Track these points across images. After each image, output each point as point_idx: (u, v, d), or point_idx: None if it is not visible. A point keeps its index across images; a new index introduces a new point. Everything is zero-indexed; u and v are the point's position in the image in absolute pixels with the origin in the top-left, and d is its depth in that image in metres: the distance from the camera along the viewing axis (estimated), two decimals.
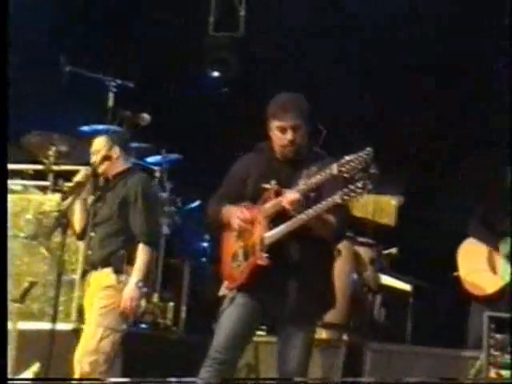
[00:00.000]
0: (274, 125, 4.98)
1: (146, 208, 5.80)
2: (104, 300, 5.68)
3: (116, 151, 5.92)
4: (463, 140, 8.02)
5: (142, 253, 5.73)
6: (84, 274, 6.03)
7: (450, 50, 8.11)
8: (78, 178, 5.91)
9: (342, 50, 8.36)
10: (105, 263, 5.76)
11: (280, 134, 4.98)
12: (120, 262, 5.74)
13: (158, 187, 6.47)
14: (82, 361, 5.64)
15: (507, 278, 6.11)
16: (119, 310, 5.63)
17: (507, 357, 5.47)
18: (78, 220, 5.95)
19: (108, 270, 5.74)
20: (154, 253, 5.85)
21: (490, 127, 7.56)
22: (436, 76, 8.13)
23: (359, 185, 4.72)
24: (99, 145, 5.94)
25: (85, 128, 7.15)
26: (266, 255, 4.90)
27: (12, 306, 6.12)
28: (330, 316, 5.69)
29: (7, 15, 4.63)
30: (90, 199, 6.00)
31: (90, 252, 5.87)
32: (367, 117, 7.97)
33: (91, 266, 5.83)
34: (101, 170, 5.92)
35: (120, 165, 5.95)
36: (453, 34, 8.09)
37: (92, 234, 5.87)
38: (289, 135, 4.96)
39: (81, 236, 5.99)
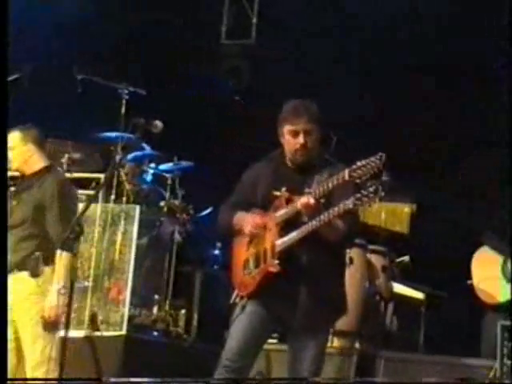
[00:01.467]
0: (286, 129, 4.95)
1: (62, 212, 5.58)
2: (31, 310, 5.51)
3: (30, 148, 5.69)
4: (477, 149, 7.97)
5: (60, 258, 5.49)
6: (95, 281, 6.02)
7: (451, 49, 8.05)
8: None
9: (350, 55, 8.32)
10: (21, 267, 5.55)
11: (292, 139, 4.95)
12: (35, 265, 5.55)
13: (73, 189, 6.12)
14: (34, 375, 5.48)
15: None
16: (44, 318, 5.47)
17: None
18: None
19: (24, 274, 5.55)
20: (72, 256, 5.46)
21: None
22: (436, 76, 8.08)
23: (371, 190, 4.65)
24: (13, 141, 5.65)
25: (98, 135, 7.17)
26: (277, 262, 4.87)
27: None
28: (342, 324, 5.71)
29: (7, 16, 4.49)
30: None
31: None
32: (379, 123, 7.91)
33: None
34: (15, 167, 5.69)
35: (35, 163, 5.71)
36: (453, 33, 8.03)
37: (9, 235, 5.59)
38: (301, 139, 4.93)
39: None
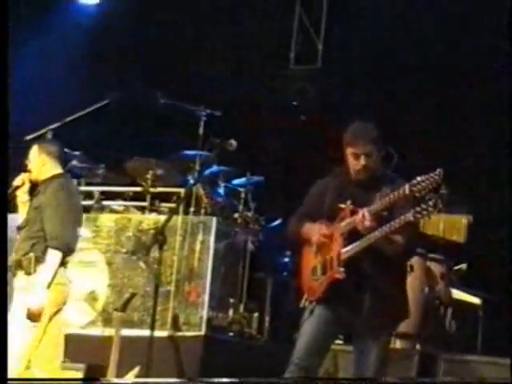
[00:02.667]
0: (349, 151, 4.99)
1: (55, 213, 5.63)
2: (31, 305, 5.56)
3: (43, 159, 5.84)
4: None
5: (48, 256, 5.57)
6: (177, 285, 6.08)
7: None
8: (15, 182, 5.84)
9: (409, 75, 8.19)
10: (18, 266, 5.64)
11: (354, 161, 4.98)
12: (29, 264, 5.61)
13: (78, 194, 6.24)
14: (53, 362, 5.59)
15: None
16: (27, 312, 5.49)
17: None
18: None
19: (21, 273, 5.63)
20: (61, 257, 5.61)
21: None
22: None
23: (431, 203, 4.66)
24: (32, 154, 5.87)
25: (178, 154, 7.21)
26: (342, 269, 4.86)
27: (115, 315, 6.19)
28: (404, 326, 5.65)
29: (7, 17, 4.34)
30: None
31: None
32: (438, 140, 7.80)
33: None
34: (32, 176, 5.85)
35: (47, 171, 5.84)
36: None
37: (17, 236, 5.77)
38: (362, 161, 4.95)
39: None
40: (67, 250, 5.67)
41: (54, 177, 5.86)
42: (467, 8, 7.84)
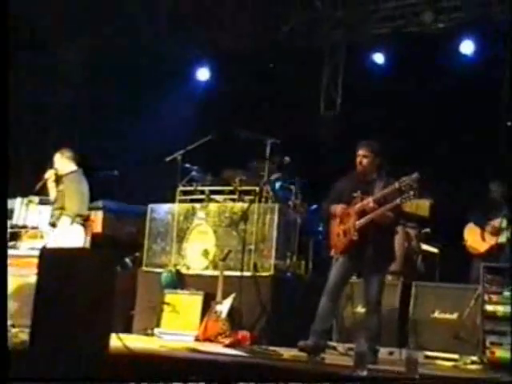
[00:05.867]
0: (356, 157, 4.98)
1: (71, 195, 5.69)
2: None
3: (64, 161, 5.81)
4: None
5: (62, 219, 5.62)
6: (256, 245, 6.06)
7: None
8: (46, 175, 5.80)
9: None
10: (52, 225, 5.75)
11: (357, 161, 4.97)
12: (56, 222, 5.70)
13: (86, 183, 5.92)
14: None
15: None
16: None
17: None
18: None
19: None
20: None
21: None
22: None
23: (411, 193, 4.69)
24: (56, 157, 5.84)
25: (254, 166, 7.03)
26: (356, 234, 4.88)
27: (219, 263, 6.18)
28: (392, 267, 5.53)
29: (7, 16, 3.67)
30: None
31: None
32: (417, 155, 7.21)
33: None
34: (58, 171, 5.82)
35: (66, 168, 5.82)
36: None
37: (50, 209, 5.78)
38: (359, 160, 4.94)
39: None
40: (74, 217, 5.69)
41: (71, 172, 5.83)
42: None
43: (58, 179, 5.87)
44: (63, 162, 5.83)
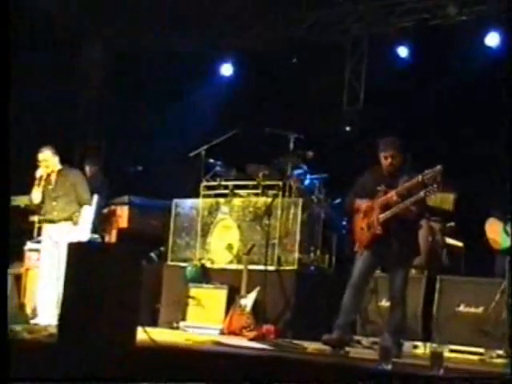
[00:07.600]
0: (381, 155, 4.97)
1: (81, 183, 5.85)
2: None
3: (55, 158, 5.88)
4: None
5: (83, 210, 5.78)
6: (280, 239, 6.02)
7: None
8: (37, 174, 5.86)
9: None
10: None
11: (385, 161, 4.93)
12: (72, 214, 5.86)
13: (79, 174, 6.09)
14: None
15: None
16: None
17: None
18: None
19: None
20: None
21: None
22: None
23: (435, 186, 4.63)
24: (47, 156, 5.88)
25: (278, 161, 6.97)
26: (380, 228, 4.84)
27: (243, 257, 6.22)
28: (417, 261, 5.48)
29: (8, 16, 3.65)
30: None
31: None
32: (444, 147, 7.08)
33: None
34: (48, 170, 5.87)
35: (57, 165, 5.90)
36: None
37: (54, 203, 5.83)
38: (389, 161, 4.90)
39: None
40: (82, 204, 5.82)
41: (64, 167, 5.94)
42: None
43: (50, 175, 5.93)
44: (55, 159, 5.96)
